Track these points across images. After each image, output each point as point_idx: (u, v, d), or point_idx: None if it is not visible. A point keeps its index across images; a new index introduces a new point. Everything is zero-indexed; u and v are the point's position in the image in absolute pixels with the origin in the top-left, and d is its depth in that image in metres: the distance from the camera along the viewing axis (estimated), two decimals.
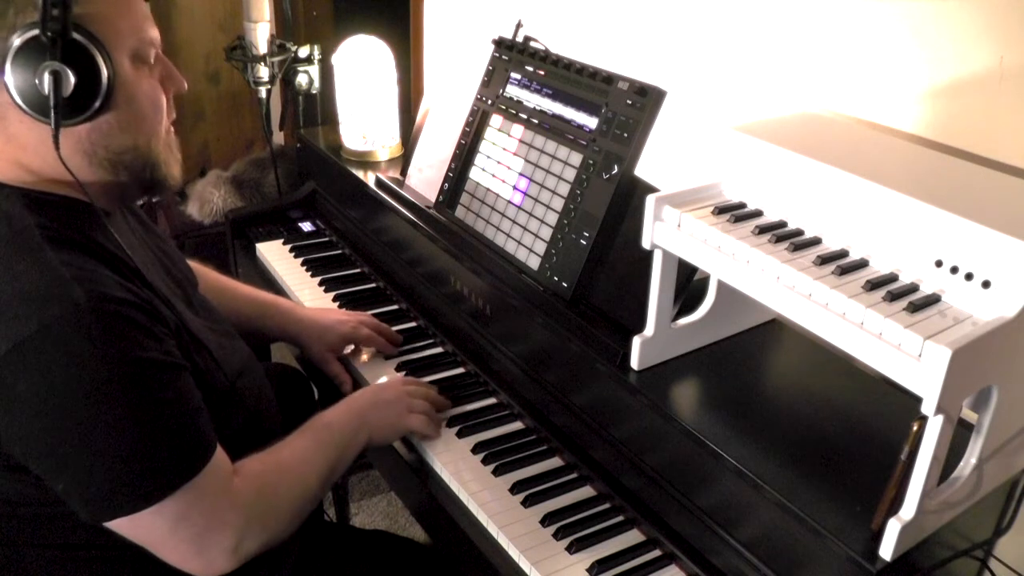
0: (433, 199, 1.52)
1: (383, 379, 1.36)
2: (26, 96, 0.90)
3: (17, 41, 0.88)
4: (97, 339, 0.87)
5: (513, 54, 1.42)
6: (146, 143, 1.00)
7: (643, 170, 1.20)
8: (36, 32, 0.88)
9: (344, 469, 1.15)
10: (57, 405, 0.87)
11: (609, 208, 1.20)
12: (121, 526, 0.92)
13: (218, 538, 0.96)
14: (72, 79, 0.90)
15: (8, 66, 0.89)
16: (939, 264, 0.84)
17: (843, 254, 0.91)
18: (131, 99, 0.97)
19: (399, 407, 1.21)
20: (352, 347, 1.45)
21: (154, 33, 1.00)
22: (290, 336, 1.44)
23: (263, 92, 2.30)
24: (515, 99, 1.40)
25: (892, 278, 0.87)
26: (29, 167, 0.96)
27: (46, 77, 0.89)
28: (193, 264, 1.30)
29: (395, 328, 1.51)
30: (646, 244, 1.03)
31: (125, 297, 0.92)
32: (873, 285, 0.84)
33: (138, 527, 0.92)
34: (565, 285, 1.24)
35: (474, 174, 1.44)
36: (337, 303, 1.60)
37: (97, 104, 0.92)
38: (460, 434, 1.25)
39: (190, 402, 0.96)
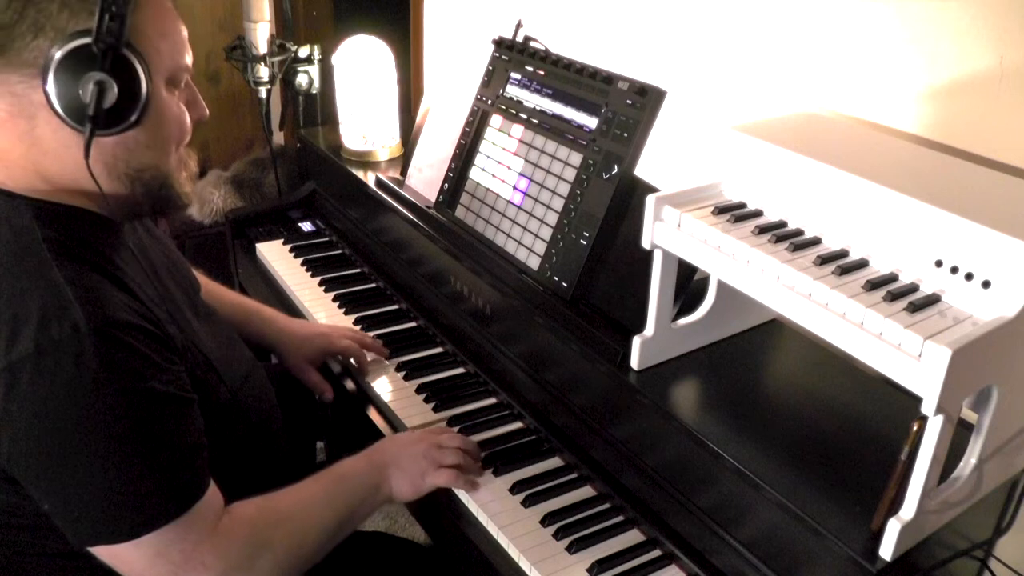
0: (433, 199, 1.52)
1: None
2: (64, 101, 0.88)
3: (68, 46, 0.87)
4: (93, 367, 0.85)
5: (513, 54, 1.42)
6: (165, 163, 1.00)
7: (643, 170, 1.20)
8: (87, 40, 0.87)
9: (357, 525, 1.10)
10: (46, 430, 0.86)
11: (609, 208, 1.20)
12: (100, 552, 0.91)
13: None
14: (115, 92, 0.89)
15: (52, 69, 0.87)
16: (939, 264, 0.84)
17: (843, 254, 0.91)
18: (160, 119, 0.96)
19: (425, 463, 1.14)
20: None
21: (189, 60, 1.00)
22: (269, 344, 1.43)
23: (263, 92, 2.30)
24: (515, 99, 1.40)
25: (892, 278, 0.87)
26: (46, 174, 0.94)
27: (90, 87, 0.88)
28: None
29: (395, 328, 1.51)
30: (646, 244, 1.03)
31: (130, 320, 0.90)
32: (873, 285, 0.84)
33: (116, 556, 0.91)
34: (565, 285, 1.24)
35: (474, 174, 1.44)
36: (337, 303, 1.60)
37: (132, 119, 0.92)
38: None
39: (186, 437, 0.94)
